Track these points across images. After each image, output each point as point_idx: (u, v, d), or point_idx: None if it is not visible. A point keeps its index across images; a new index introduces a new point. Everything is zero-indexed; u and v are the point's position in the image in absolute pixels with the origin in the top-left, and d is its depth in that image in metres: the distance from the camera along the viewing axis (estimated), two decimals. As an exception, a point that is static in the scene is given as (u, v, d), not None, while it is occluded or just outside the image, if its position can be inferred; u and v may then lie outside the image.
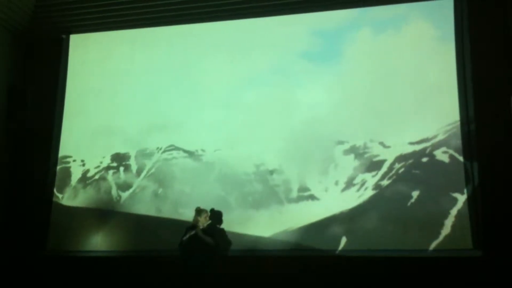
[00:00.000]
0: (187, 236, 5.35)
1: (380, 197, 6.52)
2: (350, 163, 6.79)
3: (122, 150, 7.64)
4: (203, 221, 5.47)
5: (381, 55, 6.97)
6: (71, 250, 7.25)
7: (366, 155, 6.78)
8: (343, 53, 7.11)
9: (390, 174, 6.60)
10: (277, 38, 7.33)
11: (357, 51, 7.06)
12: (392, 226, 6.31)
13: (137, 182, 7.45)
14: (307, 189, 6.85)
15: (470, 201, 6.16)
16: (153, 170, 7.43)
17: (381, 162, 6.70)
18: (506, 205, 5.96)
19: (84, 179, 7.65)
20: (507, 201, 5.96)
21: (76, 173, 7.72)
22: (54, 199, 7.60)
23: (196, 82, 7.50)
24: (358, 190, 6.66)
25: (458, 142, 6.41)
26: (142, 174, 7.47)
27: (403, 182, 6.48)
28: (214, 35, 7.60)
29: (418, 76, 6.71)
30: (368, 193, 6.60)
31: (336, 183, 6.79)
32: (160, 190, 7.29)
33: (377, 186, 6.61)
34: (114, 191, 7.48)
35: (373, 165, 6.71)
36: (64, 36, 8.24)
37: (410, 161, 6.56)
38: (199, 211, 5.51)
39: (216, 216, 5.70)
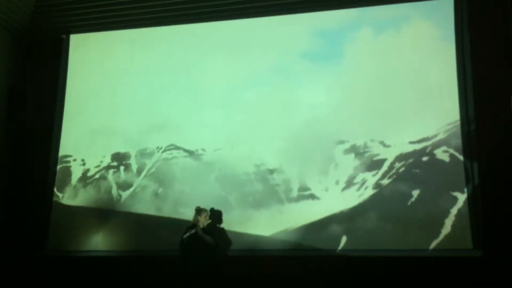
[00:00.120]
0: (187, 234, 5.35)
1: (380, 196, 6.52)
2: (350, 163, 6.79)
3: (122, 150, 7.64)
4: (203, 221, 5.46)
5: (381, 55, 6.97)
6: (71, 250, 7.24)
7: (366, 155, 6.78)
8: (343, 53, 7.12)
9: (391, 173, 6.60)
10: (278, 38, 7.33)
11: (357, 51, 7.07)
12: (392, 226, 6.31)
13: (137, 182, 7.44)
14: (307, 189, 6.85)
15: (470, 200, 6.17)
16: (153, 170, 7.42)
17: (382, 162, 6.70)
18: (506, 205, 5.96)
19: (84, 178, 7.65)
20: (507, 201, 5.96)
21: (76, 173, 7.72)
22: (54, 198, 7.60)
23: (196, 82, 7.51)
24: (358, 189, 6.66)
25: (458, 141, 6.41)
26: (142, 174, 7.47)
27: (403, 181, 6.48)
28: (214, 35, 7.61)
29: (419, 76, 6.71)
30: (368, 192, 6.60)
31: (337, 182, 6.79)
32: (160, 190, 7.29)
33: (377, 185, 6.61)
34: (114, 191, 7.48)
35: (374, 165, 6.71)
36: (64, 36, 8.23)
37: (411, 160, 6.57)
38: (199, 211, 5.51)
39: (216, 215, 5.69)
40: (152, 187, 7.32)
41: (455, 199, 6.22)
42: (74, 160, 7.80)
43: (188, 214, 5.77)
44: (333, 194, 6.72)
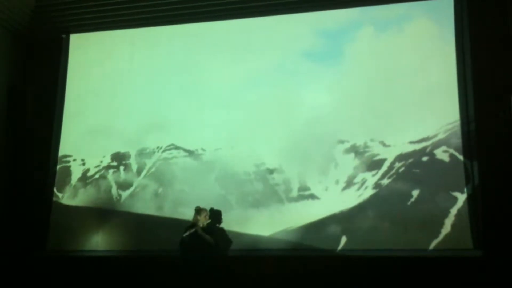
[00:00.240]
0: (187, 233, 5.35)
1: (380, 196, 6.52)
2: (350, 162, 6.80)
3: (122, 150, 7.64)
4: (203, 220, 5.46)
5: (381, 55, 6.97)
6: (71, 250, 7.24)
7: (366, 154, 6.78)
8: (343, 52, 7.11)
9: (390, 173, 6.60)
10: (278, 37, 7.33)
11: (357, 51, 7.07)
12: (392, 226, 6.31)
13: (137, 182, 7.45)
14: (307, 189, 6.85)
15: (470, 200, 6.17)
16: (153, 169, 7.43)
17: (382, 161, 6.70)
18: (506, 205, 5.96)
19: (84, 178, 7.65)
20: (507, 201, 5.95)
21: (76, 173, 7.72)
22: (54, 198, 7.60)
23: (196, 82, 7.50)
24: (358, 189, 6.67)
25: (458, 141, 6.41)
26: (142, 173, 7.47)
27: (403, 181, 6.48)
28: (214, 34, 7.60)
29: (419, 76, 6.70)
30: (368, 192, 6.60)
31: (337, 182, 6.79)
32: (160, 190, 7.29)
33: (377, 185, 6.61)
34: (114, 191, 7.48)
35: (374, 164, 6.71)
36: (64, 36, 8.23)
37: (410, 160, 6.56)
38: (198, 210, 5.52)
39: (215, 215, 5.68)
40: (152, 187, 7.32)
41: (455, 199, 6.22)
42: (74, 160, 7.80)
43: (188, 213, 5.76)
44: (333, 194, 6.72)
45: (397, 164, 6.61)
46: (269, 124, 7.09)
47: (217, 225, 5.62)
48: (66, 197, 7.62)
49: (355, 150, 6.83)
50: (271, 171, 7.00)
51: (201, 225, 5.42)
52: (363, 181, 6.68)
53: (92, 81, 7.97)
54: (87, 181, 7.62)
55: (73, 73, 8.08)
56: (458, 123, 6.46)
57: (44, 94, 7.95)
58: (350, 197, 6.63)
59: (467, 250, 6.03)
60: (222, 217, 5.72)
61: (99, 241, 7.17)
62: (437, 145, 6.48)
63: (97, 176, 7.61)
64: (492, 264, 5.79)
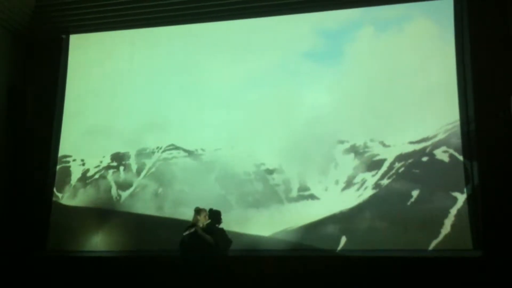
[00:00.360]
0: (187, 232, 5.35)
1: (380, 196, 6.52)
2: (350, 163, 6.80)
3: (122, 150, 7.65)
4: (203, 220, 5.47)
5: (381, 55, 6.97)
6: (71, 250, 7.24)
7: (366, 155, 6.78)
8: (343, 53, 7.12)
9: (390, 173, 6.60)
10: (278, 38, 7.33)
11: (358, 51, 7.07)
12: (391, 226, 6.31)
13: (137, 182, 7.45)
14: (307, 189, 6.86)
15: (470, 200, 6.17)
16: (153, 170, 7.43)
17: (381, 162, 6.70)
18: (506, 205, 5.96)
19: (84, 178, 7.66)
20: (507, 201, 5.96)
21: (76, 173, 7.73)
22: (54, 198, 7.60)
23: (196, 82, 7.50)
24: (358, 189, 6.67)
25: (458, 141, 6.41)
26: (142, 174, 7.48)
27: (403, 181, 6.48)
28: (214, 35, 7.61)
29: (419, 76, 6.71)
30: (368, 192, 6.60)
31: (336, 182, 6.79)
32: (160, 190, 7.29)
33: (377, 185, 6.61)
34: (114, 191, 7.49)
35: (373, 165, 6.71)
36: (64, 36, 8.23)
37: (410, 160, 6.57)
38: (198, 211, 5.53)
39: (215, 215, 5.69)
40: (152, 187, 7.33)
41: (455, 199, 6.22)
42: (74, 160, 7.81)
43: (188, 214, 5.77)
44: (333, 194, 6.72)
45: (397, 164, 6.61)
46: (269, 124, 7.10)
47: (217, 225, 5.62)
48: (66, 197, 7.62)
49: (355, 150, 6.83)
50: (271, 171, 7.00)
51: (201, 225, 5.43)
52: (363, 181, 6.68)
53: (92, 81, 7.98)
54: (87, 181, 7.62)
55: (73, 73, 8.09)
56: (458, 123, 6.46)
57: (44, 94, 7.96)
58: (350, 197, 6.63)
59: (467, 250, 6.03)
60: (222, 217, 5.73)
61: (99, 241, 7.17)
62: (437, 145, 6.49)
63: (97, 176, 7.62)
64: (492, 264, 5.79)
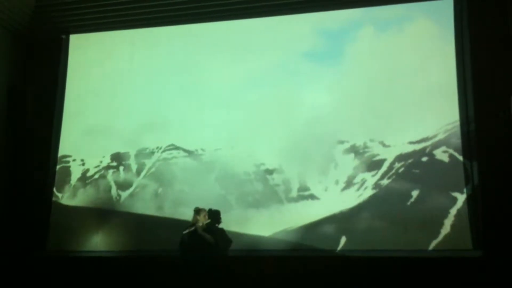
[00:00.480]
0: (187, 231, 5.36)
1: (379, 196, 6.52)
2: (350, 163, 6.80)
3: (122, 150, 7.65)
4: (203, 220, 5.46)
5: (381, 55, 6.97)
6: (71, 250, 7.24)
7: (366, 155, 6.78)
8: (343, 53, 7.12)
9: (390, 173, 6.61)
10: (278, 38, 7.33)
11: (358, 51, 7.08)
12: (391, 226, 6.31)
13: (137, 182, 7.45)
14: (307, 189, 6.86)
15: (469, 200, 6.17)
16: (153, 170, 7.43)
17: (381, 162, 6.71)
18: (505, 205, 5.96)
19: (84, 178, 7.66)
20: (506, 201, 5.96)
21: (75, 173, 7.73)
22: (54, 198, 7.60)
23: (196, 82, 7.51)
24: (358, 189, 6.67)
25: (458, 141, 6.41)
26: (142, 174, 7.48)
27: (403, 181, 6.49)
28: (214, 35, 7.61)
29: (419, 76, 6.71)
30: (368, 192, 6.61)
31: (336, 182, 6.79)
32: (160, 190, 7.29)
33: (377, 185, 6.61)
34: (114, 191, 7.49)
35: (373, 165, 6.72)
36: (64, 36, 8.23)
37: (410, 160, 6.57)
38: (197, 211, 5.52)
39: (214, 215, 5.68)
40: (152, 187, 7.33)
41: (455, 199, 6.22)
42: (74, 160, 7.81)
43: (188, 214, 5.76)
44: (333, 194, 6.73)
45: (397, 165, 6.61)
46: (269, 124, 7.10)
47: (217, 225, 5.62)
48: (66, 197, 7.62)
49: (355, 150, 6.83)
50: (271, 171, 7.01)
51: (200, 224, 5.42)
52: (363, 181, 6.69)
53: (92, 81, 7.98)
54: (87, 181, 7.63)
55: (73, 73, 8.09)
56: (457, 123, 6.46)
57: (44, 94, 7.96)
58: (349, 197, 6.63)
59: (467, 250, 6.03)
60: (222, 217, 5.72)
61: (98, 241, 7.17)
62: (436, 145, 6.49)
63: (96, 176, 7.62)
64: (492, 264, 5.79)
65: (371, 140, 6.81)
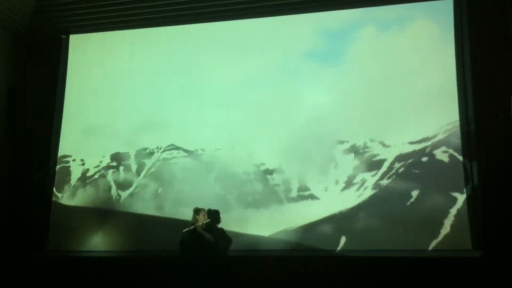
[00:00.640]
0: (187, 230, 5.36)
1: (379, 196, 6.52)
2: (350, 163, 6.80)
3: (122, 150, 7.65)
4: (202, 220, 5.46)
5: (381, 55, 6.97)
6: (71, 250, 7.24)
7: (366, 155, 6.78)
8: (344, 52, 7.11)
9: (390, 173, 6.61)
10: (279, 37, 7.33)
11: (358, 51, 7.07)
12: (391, 226, 6.31)
13: (137, 182, 7.45)
14: (307, 189, 6.86)
15: (469, 200, 6.17)
16: (153, 170, 7.43)
17: (381, 162, 6.71)
18: (505, 205, 5.96)
19: (84, 178, 7.66)
20: (506, 201, 5.95)
21: (75, 173, 7.73)
22: (54, 198, 7.60)
23: (196, 82, 7.50)
24: (358, 189, 6.67)
25: (458, 141, 6.41)
26: (142, 174, 7.48)
27: (403, 181, 6.49)
28: (214, 35, 7.60)
29: (419, 76, 6.71)
30: (368, 192, 6.61)
31: (336, 182, 6.80)
32: (160, 190, 7.30)
33: (376, 185, 6.61)
34: (113, 191, 7.49)
35: (373, 165, 6.72)
36: (64, 36, 8.23)
37: (410, 160, 6.57)
38: (197, 211, 5.52)
39: (213, 215, 5.68)
40: (152, 187, 7.33)
41: (455, 199, 6.22)
42: (74, 160, 7.81)
43: (188, 213, 5.75)
44: (333, 194, 6.73)
45: (397, 165, 6.61)
46: (269, 124, 7.10)
47: (216, 224, 5.62)
48: (66, 197, 7.62)
49: (355, 150, 6.83)
50: (270, 171, 7.01)
51: (200, 224, 5.42)
52: (363, 182, 6.69)
53: (92, 81, 7.98)
54: (87, 181, 7.63)
55: (73, 73, 8.09)
56: (457, 123, 6.46)
57: (44, 94, 7.96)
58: (349, 197, 6.63)
59: (467, 250, 6.03)
60: (222, 217, 5.72)
61: (98, 241, 7.17)
62: (436, 145, 6.49)
63: (96, 176, 7.62)
64: (492, 265, 5.79)
65: (371, 140, 6.81)
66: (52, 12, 7.98)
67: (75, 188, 7.64)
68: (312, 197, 6.80)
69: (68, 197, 7.61)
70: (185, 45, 7.69)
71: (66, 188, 7.68)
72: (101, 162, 7.69)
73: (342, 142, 6.90)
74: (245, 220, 6.73)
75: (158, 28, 7.87)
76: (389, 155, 6.68)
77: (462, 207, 6.18)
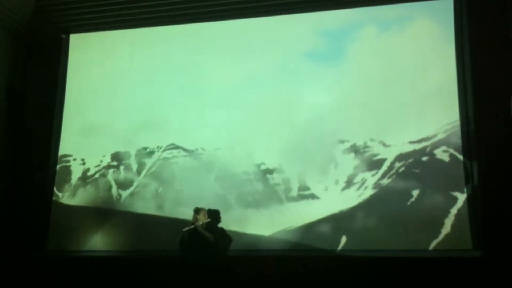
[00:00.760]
0: (187, 229, 5.36)
1: (380, 196, 6.52)
2: (350, 162, 6.80)
3: (122, 149, 7.64)
4: (202, 219, 5.47)
5: (382, 55, 6.97)
6: (71, 250, 7.23)
7: (366, 154, 6.78)
8: (344, 52, 7.11)
9: (390, 173, 6.61)
10: (279, 37, 7.32)
11: (358, 51, 7.07)
12: (392, 226, 6.31)
13: (137, 181, 7.45)
14: (307, 188, 6.86)
15: (470, 200, 6.17)
16: (153, 169, 7.43)
17: (381, 161, 6.70)
18: (506, 205, 5.96)
19: (84, 178, 7.65)
20: (507, 201, 5.95)
21: (76, 172, 7.72)
22: (54, 198, 7.60)
23: (196, 82, 7.50)
24: (358, 189, 6.67)
25: (458, 141, 6.41)
26: (142, 173, 7.48)
27: (403, 181, 6.48)
28: (214, 35, 7.60)
29: (419, 76, 6.71)
30: (368, 192, 6.61)
31: (336, 182, 6.79)
32: (160, 189, 7.30)
33: (377, 185, 6.61)
34: (114, 190, 7.49)
35: (373, 164, 6.71)
36: (64, 36, 8.23)
37: (410, 160, 6.57)
38: (197, 210, 5.52)
39: (213, 215, 5.68)
40: (152, 187, 7.33)
41: (455, 199, 6.22)
42: (74, 159, 7.81)
43: (188, 213, 5.75)
44: (333, 194, 6.73)
45: (397, 164, 6.61)
46: (269, 124, 7.09)
47: (216, 224, 5.62)
48: (66, 197, 7.62)
49: (355, 150, 6.83)
50: (271, 171, 7.00)
51: (200, 223, 5.43)
52: (363, 181, 6.69)
53: (92, 81, 7.98)
54: (87, 180, 7.63)
55: (73, 73, 8.08)
56: (458, 123, 6.46)
57: (44, 94, 7.96)
58: (350, 197, 6.63)
59: (467, 250, 6.03)
60: (222, 217, 5.72)
61: (98, 241, 7.17)
62: (437, 145, 6.49)
63: (97, 175, 7.62)
64: (492, 265, 5.79)
65: (371, 140, 6.81)
66: (52, 12, 7.98)
67: (76, 187, 7.64)
68: (312, 196, 6.80)
69: (69, 196, 7.61)
70: (185, 45, 7.69)
71: (67, 187, 7.67)
72: (101, 161, 7.68)
73: (342, 142, 6.90)
74: (245, 220, 6.73)
75: (158, 27, 7.86)
76: (389, 155, 6.68)
77: (462, 206, 6.17)
